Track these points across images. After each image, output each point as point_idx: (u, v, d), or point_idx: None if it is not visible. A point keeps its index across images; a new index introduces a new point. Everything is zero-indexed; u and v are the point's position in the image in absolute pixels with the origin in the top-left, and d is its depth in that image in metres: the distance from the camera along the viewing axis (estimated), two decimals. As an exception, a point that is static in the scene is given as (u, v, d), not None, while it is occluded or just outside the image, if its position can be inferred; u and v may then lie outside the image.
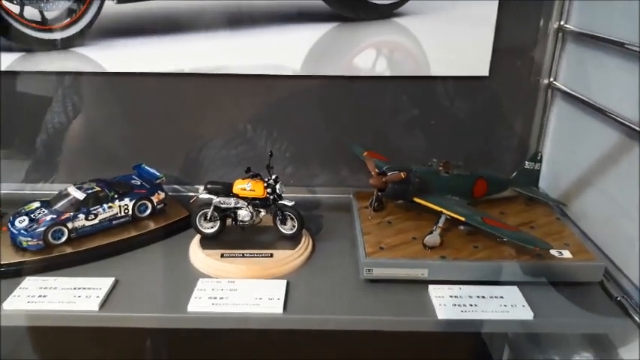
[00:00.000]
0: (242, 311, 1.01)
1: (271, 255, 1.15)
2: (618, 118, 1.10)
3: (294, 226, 1.19)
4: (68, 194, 1.20)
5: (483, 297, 1.06)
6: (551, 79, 1.38)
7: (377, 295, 1.08)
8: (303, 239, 1.20)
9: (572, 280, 1.10)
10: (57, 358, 1.58)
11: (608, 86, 1.19)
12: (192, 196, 1.27)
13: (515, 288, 1.08)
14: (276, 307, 1.02)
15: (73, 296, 1.03)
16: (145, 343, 1.62)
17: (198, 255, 1.16)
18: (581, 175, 1.31)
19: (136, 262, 1.17)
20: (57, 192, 1.23)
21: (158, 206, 1.28)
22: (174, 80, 1.37)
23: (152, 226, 1.25)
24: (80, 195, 1.19)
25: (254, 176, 1.17)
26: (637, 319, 1.03)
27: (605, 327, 1.08)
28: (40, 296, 1.03)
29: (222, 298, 1.04)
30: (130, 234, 1.22)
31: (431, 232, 1.12)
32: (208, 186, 1.17)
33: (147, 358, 1.66)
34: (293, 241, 1.20)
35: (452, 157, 1.27)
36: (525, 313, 1.02)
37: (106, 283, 1.07)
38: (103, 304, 1.02)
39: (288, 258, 1.15)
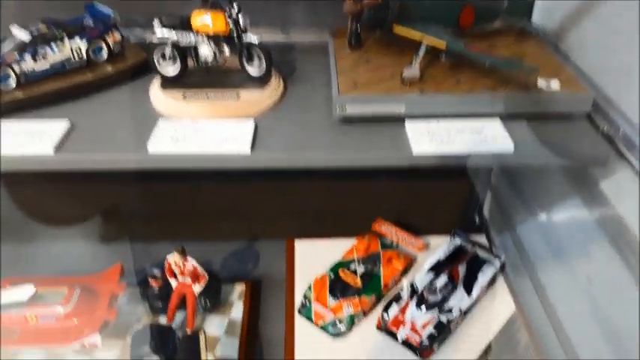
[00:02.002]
0: (206, 151, 0.96)
1: (238, 96, 1.07)
2: None
3: (261, 66, 1.10)
4: (12, 35, 1.09)
5: (462, 131, 1.00)
6: None
7: (351, 135, 1.01)
8: (273, 80, 1.11)
9: (559, 112, 1.03)
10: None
11: None
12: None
13: (496, 120, 1.01)
14: (243, 146, 0.96)
15: (25, 140, 0.97)
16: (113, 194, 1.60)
17: (158, 96, 1.08)
18: (577, 6, 1.19)
19: (94, 107, 1.09)
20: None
21: (114, 49, 1.17)
22: None
23: (109, 69, 1.15)
24: (25, 35, 1.08)
25: (213, 5, 1.04)
26: (626, 153, 0.98)
27: (590, 160, 1.04)
28: (-11, 140, 0.97)
29: (184, 139, 0.97)
30: (86, 78, 1.12)
31: (410, 64, 1.03)
32: (163, 19, 1.06)
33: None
34: (262, 82, 1.11)
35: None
36: (506, 145, 0.97)
37: (60, 126, 1.00)
38: (59, 148, 0.96)
39: (256, 99, 1.07)
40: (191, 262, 1.29)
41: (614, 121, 1.03)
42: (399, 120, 1.02)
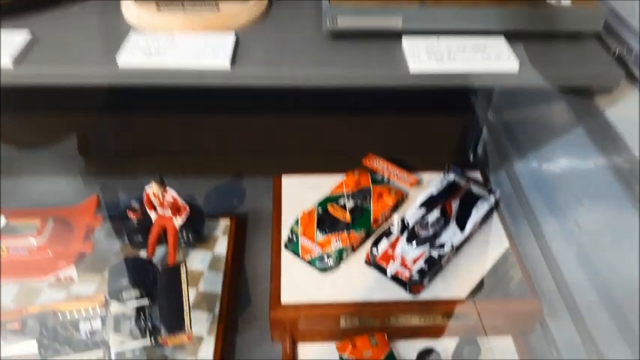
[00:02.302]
0: (182, 66, 0.87)
1: (217, 7, 0.97)
2: None
3: (245, -25, 0.99)
4: None
5: (464, 48, 0.91)
6: None
7: (343, 51, 0.93)
8: (257, -9, 1.01)
9: (569, 30, 0.95)
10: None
11: None
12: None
13: (501, 38, 0.93)
14: (223, 61, 0.87)
15: (-20, 51, 0.87)
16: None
17: (130, 8, 0.97)
18: None
19: (59, 18, 0.99)
20: None
21: (82, -45, 1.06)
22: None
23: (76, -22, 1.05)
24: None
25: None
26: (636, 73, 0.91)
27: (600, 82, 0.96)
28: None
29: (158, 52, 0.88)
30: (50, -13, 1.02)
31: (408, -26, 0.93)
32: None
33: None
34: (245, -7, 1.01)
35: None
36: (510, 64, 0.89)
37: (20, 37, 0.90)
38: (19, 60, 0.87)
39: (238, 11, 0.97)
40: (171, 193, 1.22)
41: (627, 42, 0.96)
42: (395, 36, 0.94)
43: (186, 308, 1.10)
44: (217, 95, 1.60)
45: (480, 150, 1.64)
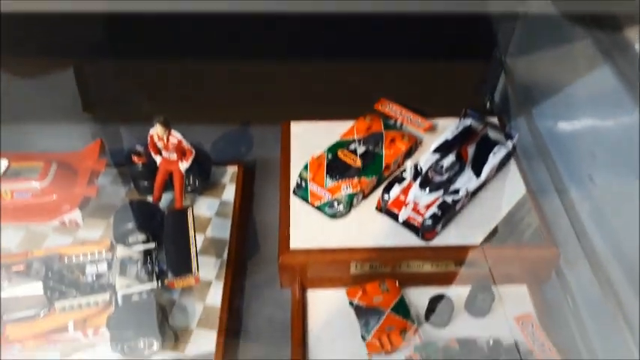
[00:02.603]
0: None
1: None
2: None
3: None
4: None
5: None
6: None
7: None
8: None
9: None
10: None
11: None
12: None
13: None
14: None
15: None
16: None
17: None
18: None
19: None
20: None
21: None
22: None
23: None
24: None
25: None
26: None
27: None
28: None
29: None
30: None
31: None
32: None
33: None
34: None
35: None
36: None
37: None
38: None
39: None
40: (175, 136, 1.18)
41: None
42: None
43: (193, 251, 1.08)
44: (224, 39, 1.58)
45: (497, 96, 1.57)
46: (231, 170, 1.41)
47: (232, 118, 1.64)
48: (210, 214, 1.30)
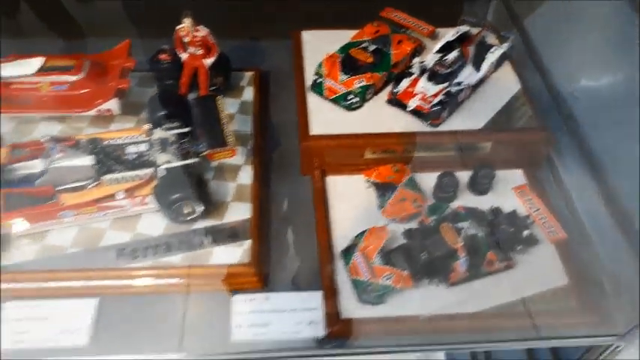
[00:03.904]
0: None
1: None
2: None
3: None
4: None
5: None
6: None
7: None
8: None
9: None
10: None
11: None
12: None
13: None
14: None
15: None
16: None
17: None
18: None
19: None
20: None
21: None
22: None
23: None
24: None
25: None
26: None
27: None
28: None
29: None
30: None
31: None
32: None
33: None
34: None
35: None
36: None
37: None
38: None
39: None
40: (202, 31, 1.26)
41: None
42: None
43: (226, 129, 1.18)
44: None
45: (490, 12, 1.70)
46: (248, 75, 1.51)
47: (239, 34, 1.72)
48: (233, 111, 1.40)
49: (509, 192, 1.26)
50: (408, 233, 1.17)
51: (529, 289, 1.11)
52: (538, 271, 1.14)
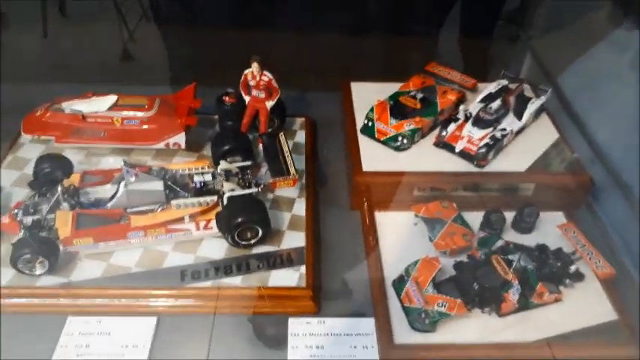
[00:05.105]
0: None
1: None
2: None
3: None
4: None
5: None
6: None
7: None
8: None
9: None
10: None
11: None
12: None
13: None
14: None
15: None
16: None
17: None
18: None
19: None
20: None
21: None
22: None
23: None
24: None
25: None
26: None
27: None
28: None
29: None
30: None
31: None
32: None
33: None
34: None
35: None
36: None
37: None
38: None
39: None
40: (267, 75, 1.38)
41: None
42: None
43: (289, 160, 1.27)
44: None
45: (524, 69, 1.82)
46: (300, 120, 1.61)
47: (289, 84, 1.86)
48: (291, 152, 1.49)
49: (552, 231, 1.30)
50: (459, 266, 1.21)
51: (578, 321, 1.13)
52: (586, 305, 1.16)
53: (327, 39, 1.89)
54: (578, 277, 1.20)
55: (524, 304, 1.14)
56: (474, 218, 1.33)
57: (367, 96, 1.59)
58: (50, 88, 1.59)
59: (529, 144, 1.45)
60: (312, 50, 1.86)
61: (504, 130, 1.39)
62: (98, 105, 1.40)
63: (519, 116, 1.45)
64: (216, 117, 1.54)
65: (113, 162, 1.40)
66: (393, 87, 1.60)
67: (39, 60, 1.93)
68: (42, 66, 1.87)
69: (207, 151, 1.45)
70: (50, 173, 1.27)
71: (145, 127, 1.38)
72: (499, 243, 1.22)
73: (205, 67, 1.87)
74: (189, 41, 1.98)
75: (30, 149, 1.44)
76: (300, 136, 1.56)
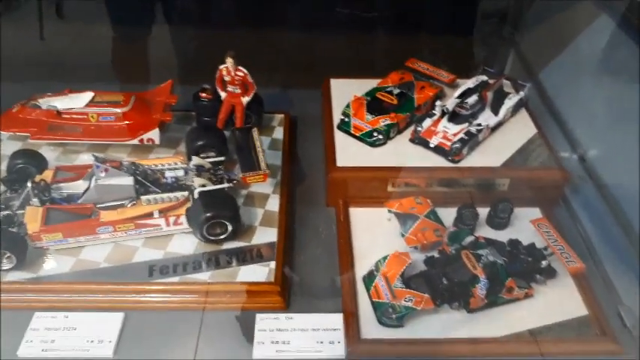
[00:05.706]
0: None
1: None
2: None
3: None
4: None
5: None
6: None
7: None
8: None
9: None
10: None
11: None
12: None
13: None
14: None
15: None
16: None
17: None
18: None
19: None
20: None
21: None
22: None
23: None
24: None
25: None
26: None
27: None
28: None
29: None
30: None
31: None
32: None
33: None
34: None
35: None
36: None
37: None
38: None
39: None
40: (242, 70, 1.38)
41: None
42: None
43: (261, 156, 1.27)
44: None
45: (508, 65, 1.81)
46: (279, 117, 1.61)
47: (269, 83, 1.86)
48: (264, 147, 1.49)
49: (526, 228, 1.29)
50: (429, 261, 1.20)
51: (548, 317, 1.12)
52: (557, 300, 1.15)
53: (312, 37, 1.89)
54: (550, 272, 1.19)
55: (493, 300, 1.13)
56: (449, 214, 1.32)
57: (346, 92, 1.58)
58: (36, 86, 1.60)
59: (506, 139, 1.44)
60: (295, 47, 1.86)
61: (480, 125, 1.38)
62: (74, 101, 1.41)
63: (496, 111, 1.44)
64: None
65: (89, 158, 1.40)
66: (373, 83, 1.59)
67: (28, 59, 1.94)
68: (31, 65, 1.89)
69: (185, 147, 1.45)
70: (23, 169, 1.28)
71: (120, 123, 1.39)
72: (470, 238, 1.21)
73: (188, 64, 1.87)
74: (177, 40, 1.98)
75: (7, 146, 1.44)
76: (279, 133, 1.55)
